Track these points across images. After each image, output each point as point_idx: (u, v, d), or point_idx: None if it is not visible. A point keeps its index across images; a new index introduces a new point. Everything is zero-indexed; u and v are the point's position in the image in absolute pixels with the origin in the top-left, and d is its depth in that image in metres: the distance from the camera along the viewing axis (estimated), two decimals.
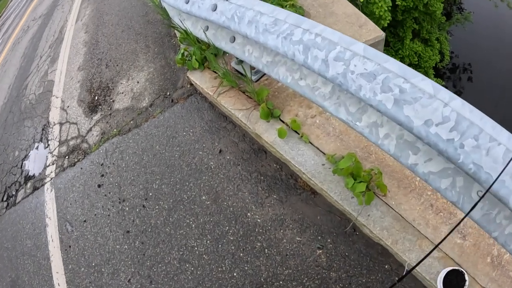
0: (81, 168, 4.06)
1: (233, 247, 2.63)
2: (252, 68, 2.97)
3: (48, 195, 4.17)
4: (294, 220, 2.62)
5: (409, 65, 6.30)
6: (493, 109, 7.60)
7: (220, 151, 3.16)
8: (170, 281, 2.74)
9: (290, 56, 1.88)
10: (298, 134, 2.71)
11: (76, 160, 4.23)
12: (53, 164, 4.48)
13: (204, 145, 3.27)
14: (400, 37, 5.64)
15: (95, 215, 3.54)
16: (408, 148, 1.89)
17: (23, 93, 6.38)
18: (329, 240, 2.49)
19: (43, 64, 6.51)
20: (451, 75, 8.59)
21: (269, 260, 2.51)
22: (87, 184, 3.85)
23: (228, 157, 3.10)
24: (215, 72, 3.32)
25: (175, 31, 4.18)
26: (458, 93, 8.40)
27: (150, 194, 3.29)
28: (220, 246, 2.68)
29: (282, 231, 2.60)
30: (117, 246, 3.19)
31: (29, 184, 4.51)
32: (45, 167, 4.55)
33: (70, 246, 3.51)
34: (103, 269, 3.14)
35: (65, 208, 3.85)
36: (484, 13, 8.75)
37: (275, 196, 2.76)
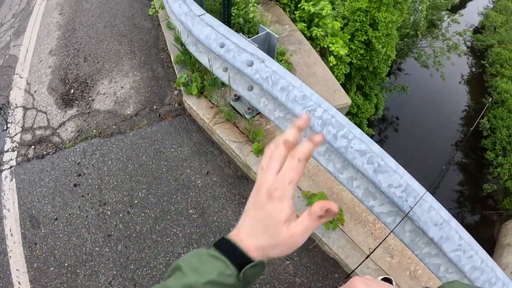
0: (52, 163, 4.07)
1: None
2: (248, 108, 3.55)
3: (8, 184, 4.02)
4: None
5: (348, 113, 7.49)
6: (411, 155, 9.39)
7: (208, 172, 3.66)
8: (156, 283, 3.15)
9: (310, 125, 2.54)
10: None
11: (44, 152, 4.21)
12: (13, 150, 4.31)
13: (192, 164, 3.72)
14: (347, 89, 6.78)
15: (70, 214, 3.58)
16: (370, 196, 2.74)
17: None
18: (295, 254, 3.23)
19: (5, 34, 6.02)
20: (380, 125, 10.30)
21: None
22: (60, 181, 3.88)
23: (214, 179, 3.61)
24: (211, 102, 3.79)
25: (168, 49, 4.51)
26: (383, 141, 10.17)
27: (136, 201, 3.61)
28: None
29: None
30: (96, 248, 3.32)
31: None
32: (2, 151, 4.37)
33: (36, 244, 3.42)
34: (78, 270, 3.19)
35: (30, 202, 3.75)
36: (419, 79, 10.76)
37: None
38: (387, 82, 9.12)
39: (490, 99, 10.72)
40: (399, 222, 2.72)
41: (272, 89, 2.73)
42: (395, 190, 2.51)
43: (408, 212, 2.55)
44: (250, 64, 2.84)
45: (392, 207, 2.71)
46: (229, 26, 3.69)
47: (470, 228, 9.38)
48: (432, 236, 2.46)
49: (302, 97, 2.64)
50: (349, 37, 6.45)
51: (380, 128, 10.37)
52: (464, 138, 9.97)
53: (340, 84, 5.52)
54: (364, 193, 2.78)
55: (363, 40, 6.38)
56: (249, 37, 3.31)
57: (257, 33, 3.61)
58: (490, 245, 8.86)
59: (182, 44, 3.81)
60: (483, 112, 9.89)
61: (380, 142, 10.05)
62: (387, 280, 3.09)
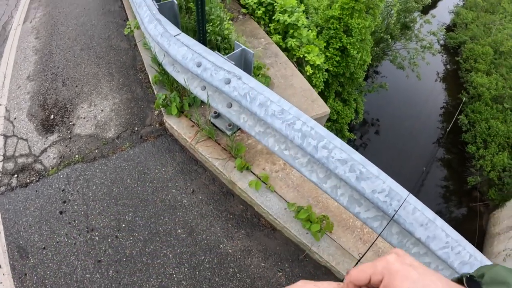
0: (36, 191, 4.03)
1: (209, 273, 3.19)
2: (228, 124, 3.59)
3: None
4: (259, 250, 3.32)
5: (328, 120, 7.63)
6: (395, 155, 9.59)
7: (193, 191, 3.67)
8: None
9: (290, 138, 2.60)
10: (266, 184, 3.42)
11: (28, 180, 4.17)
12: None
13: (177, 184, 3.74)
14: (325, 96, 6.92)
15: (57, 242, 3.58)
16: (355, 202, 2.80)
17: None
18: (286, 265, 3.26)
19: None
20: (362, 129, 10.52)
21: (241, 282, 3.14)
22: (45, 209, 3.86)
23: (200, 197, 3.63)
24: (191, 120, 3.82)
25: (146, 69, 4.53)
26: (365, 144, 10.39)
27: (123, 225, 3.59)
28: (197, 273, 3.20)
29: (250, 259, 3.27)
30: (87, 275, 3.30)
31: None
32: None
33: (25, 274, 3.37)
34: None
35: (17, 232, 3.73)
36: (396, 80, 11.07)
37: (243, 231, 3.41)
38: (364, 86, 9.34)
39: (466, 95, 11.07)
40: (385, 226, 2.79)
41: (251, 105, 2.79)
42: (378, 195, 2.58)
43: (393, 216, 2.62)
44: (228, 82, 2.90)
45: (378, 211, 2.78)
46: (205, 44, 3.75)
47: (459, 221, 9.60)
48: (419, 236, 2.54)
49: (281, 111, 2.71)
50: (324, 44, 6.60)
51: (362, 131, 10.58)
52: (444, 134, 10.24)
53: (319, 91, 5.66)
54: (349, 200, 2.84)
55: (338, 47, 6.54)
56: (225, 54, 3.39)
57: (233, 49, 3.68)
58: (480, 235, 9.07)
59: (159, 65, 3.85)
60: (460, 108, 10.21)
61: (363, 146, 10.23)
62: None
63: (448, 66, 13.56)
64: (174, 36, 3.41)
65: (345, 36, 6.64)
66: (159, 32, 3.57)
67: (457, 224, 9.54)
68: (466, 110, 10.84)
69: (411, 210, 2.56)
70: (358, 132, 10.32)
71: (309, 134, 2.60)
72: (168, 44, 3.40)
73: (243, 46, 3.21)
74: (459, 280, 0.50)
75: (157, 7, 3.97)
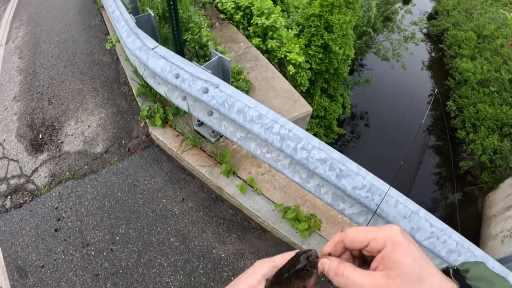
0: (31, 211, 4.09)
1: (204, 279, 3.26)
2: (212, 131, 3.66)
3: None
4: (251, 252, 3.39)
5: (316, 117, 7.70)
6: (385, 146, 9.69)
7: (183, 199, 3.74)
8: None
9: (270, 142, 2.68)
10: (253, 187, 3.49)
11: (21, 201, 4.22)
12: None
13: (167, 194, 3.80)
14: (311, 93, 6.99)
15: (55, 260, 3.65)
16: (339, 199, 2.87)
17: None
18: None
19: None
20: (351, 123, 10.62)
21: None
22: (41, 228, 3.92)
23: (190, 205, 3.70)
24: (176, 130, 3.89)
25: (129, 82, 4.59)
26: (355, 138, 10.48)
27: (117, 238, 3.65)
28: (192, 279, 3.27)
29: (243, 261, 3.34)
30: None
31: None
32: None
33: None
34: None
35: (15, 253, 3.79)
36: (382, 72, 11.17)
37: (234, 235, 3.48)
38: (350, 80, 9.43)
39: (453, 81, 11.18)
40: (369, 221, 2.85)
41: (229, 112, 2.86)
42: (360, 191, 2.65)
43: (376, 211, 2.69)
44: (206, 91, 2.97)
45: (362, 207, 2.84)
46: (182, 55, 3.81)
47: (454, 207, 9.72)
48: (404, 228, 2.60)
49: (258, 116, 2.78)
50: (305, 42, 6.68)
51: (352, 125, 10.67)
52: (421, 124, 10.34)
53: (305, 89, 5.74)
54: (333, 198, 2.91)
55: (320, 44, 6.62)
56: (205, 61, 3.45)
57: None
58: (477, 219, 9.17)
59: (141, 77, 3.91)
60: (434, 97, 10.29)
61: (354, 140, 10.32)
62: None
63: (433, 54, 13.69)
64: (152, 49, 3.48)
65: (327, 32, 6.72)
66: (137, 46, 3.63)
67: (453, 210, 9.66)
68: (454, 96, 10.96)
69: (393, 203, 2.63)
70: (347, 126, 10.41)
71: (288, 137, 2.67)
72: (147, 57, 3.46)
73: (219, 54, 3.28)
74: (443, 272, 0.51)
75: (135, 20, 4.04)
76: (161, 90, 3.53)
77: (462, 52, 12.07)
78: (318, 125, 7.55)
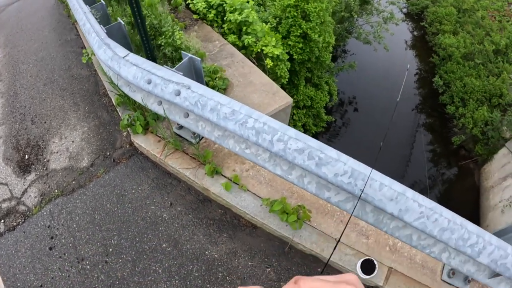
0: (24, 232, 4.09)
1: (200, 281, 3.27)
2: (192, 133, 3.66)
3: None
4: (244, 250, 3.40)
5: (303, 107, 7.68)
6: (377, 128, 9.70)
7: (171, 204, 3.74)
8: None
9: (246, 137, 2.67)
10: (238, 185, 3.50)
11: (14, 223, 4.22)
12: None
13: (155, 200, 3.80)
14: (295, 84, 6.98)
15: (52, 278, 3.66)
16: (324, 188, 2.87)
17: None
18: (273, 260, 3.34)
19: None
20: (340, 109, 10.61)
21: (231, 284, 3.23)
22: (36, 248, 3.92)
23: (179, 209, 3.70)
24: (157, 135, 3.88)
25: (108, 93, 4.57)
26: (346, 124, 10.46)
27: (111, 249, 3.66)
28: (188, 283, 3.28)
29: (236, 260, 3.35)
30: None
31: None
32: None
33: None
34: None
35: (13, 276, 3.78)
36: (366, 56, 11.15)
37: (225, 235, 3.49)
38: (334, 67, 9.40)
39: (437, 58, 11.18)
40: (354, 208, 2.81)
41: (203, 112, 2.86)
42: (342, 178, 2.62)
43: (360, 196, 2.65)
44: (178, 93, 2.97)
45: (347, 193, 2.81)
46: (154, 60, 3.80)
47: (452, 182, 9.75)
48: (391, 211, 2.56)
49: (232, 113, 2.78)
50: (284, 34, 6.66)
51: (340, 112, 10.65)
52: (397, 99, 10.34)
53: (288, 80, 5.71)
54: (317, 187, 2.89)
55: (298, 34, 6.60)
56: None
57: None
58: (475, 192, 9.20)
59: (117, 87, 3.90)
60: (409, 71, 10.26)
61: (345, 125, 10.31)
62: (368, 261, 3.15)
63: (415, 33, 13.67)
64: (123, 57, 3.47)
65: (304, 22, 6.70)
66: (109, 56, 3.62)
67: (451, 185, 9.69)
68: (440, 72, 10.96)
69: (378, 186, 2.57)
70: (336, 113, 10.41)
71: (263, 130, 2.67)
72: (119, 66, 3.46)
73: (190, 55, 3.27)
74: None
75: (105, 31, 4.02)
76: (138, 97, 3.53)
77: (444, 28, 12.05)
78: (305, 115, 7.54)
